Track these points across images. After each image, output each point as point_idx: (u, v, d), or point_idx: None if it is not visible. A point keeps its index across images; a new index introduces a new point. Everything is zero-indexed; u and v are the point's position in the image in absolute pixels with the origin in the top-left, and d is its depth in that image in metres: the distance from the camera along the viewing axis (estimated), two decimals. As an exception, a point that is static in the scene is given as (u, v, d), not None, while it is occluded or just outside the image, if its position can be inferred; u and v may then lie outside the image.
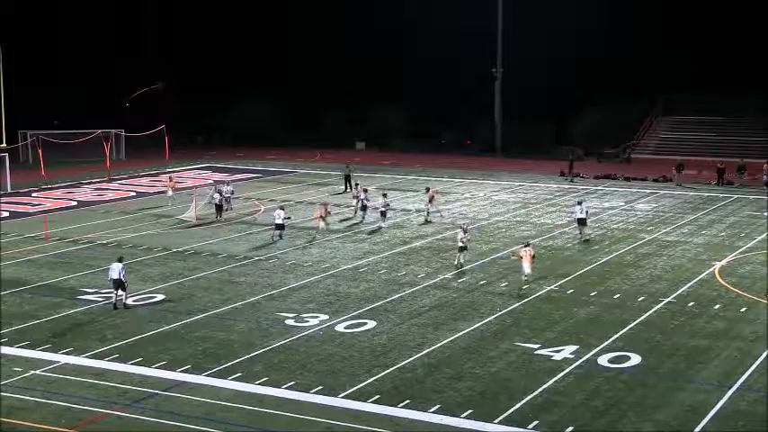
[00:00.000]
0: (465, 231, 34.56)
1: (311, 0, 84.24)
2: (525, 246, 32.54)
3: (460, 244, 34.14)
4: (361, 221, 43.43)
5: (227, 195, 46.07)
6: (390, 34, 79.57)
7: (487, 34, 73.94)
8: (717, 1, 71.09)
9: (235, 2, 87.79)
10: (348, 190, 53.04)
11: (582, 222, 39.96)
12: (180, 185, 52.67)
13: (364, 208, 43.84)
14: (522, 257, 31.80)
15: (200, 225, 42.90)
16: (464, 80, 75.92)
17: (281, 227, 39.15)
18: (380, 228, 42.09)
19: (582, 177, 60.74)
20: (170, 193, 49.37)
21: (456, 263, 34.19)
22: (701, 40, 70.91)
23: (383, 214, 42.79)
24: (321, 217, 40.24)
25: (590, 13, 71.78)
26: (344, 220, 44.10)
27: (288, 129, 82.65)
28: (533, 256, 31.89)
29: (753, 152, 64.78)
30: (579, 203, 41.02)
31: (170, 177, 52.17)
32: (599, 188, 56.31)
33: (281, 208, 40.42)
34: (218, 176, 58.64)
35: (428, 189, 46.66)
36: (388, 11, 79.50)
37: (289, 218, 40.13)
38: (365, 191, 44.83)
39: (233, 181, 52.72)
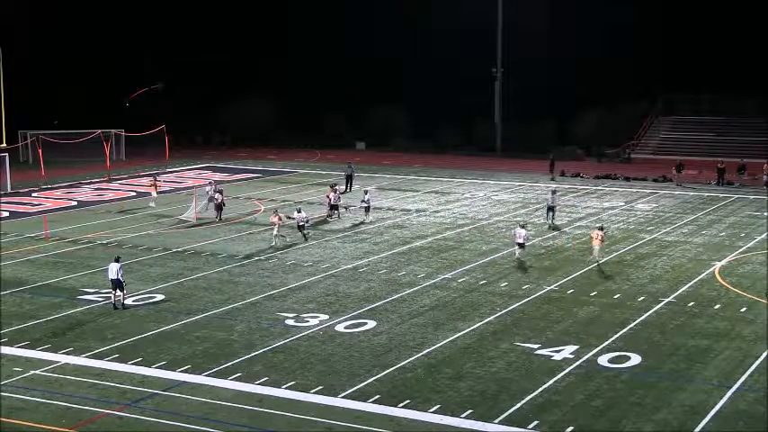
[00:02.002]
0: (523, 228, 35.91)
1: (311, 0, 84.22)
2: (599, 229, 35.16)
3: (520, 240, 35.25)
4: (335, 219, 43.72)
5: (210, 196, 46.25)
6: (390, 34, 79.56)
7: (488, 34, 73.94)
8: (717, 1, 71.10)
9: (235, 2, 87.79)
10: (349, 190, 53.14)
11: (552, 210, 43.00)
12: (161, 188, 52.18)
13: (335, 207, 44.36)
14: (592, 239, 34.67)
15: (200, 225, 42.90)
16: (464, 80, 75.86)
17: (302, 227, 39.29)
18: (363, 222, 43.14)
19: (582, 177, 60.76)
20: (153, 194, 49.15)
21: (515, 258, 35.26)
22: (701, 40, 70.92)
23: (366, 210, 43.82)
24: (274, 223, 38.46)
25: (590, 13, 71.81)
26: (325, 222, 44.04)
27: (288, 129, 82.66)
28: (602, 240, 34.62)
29: (753, 152, 64.75)
30: (554, 192, 44.46)
31: (154, 178, 52.03)
32: (599, 188, 56.30)
33: (299, 211, 40.15)
34: (217, 177, 58.66)
35: (333, 185, 46.97)
36: (387, 11, 79.50)
37: (307, 220, 40.05)
38: (335, 191, 45.09)
39: (230, 181, 52.65)
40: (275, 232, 38.18)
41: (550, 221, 42.79)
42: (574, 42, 72.08)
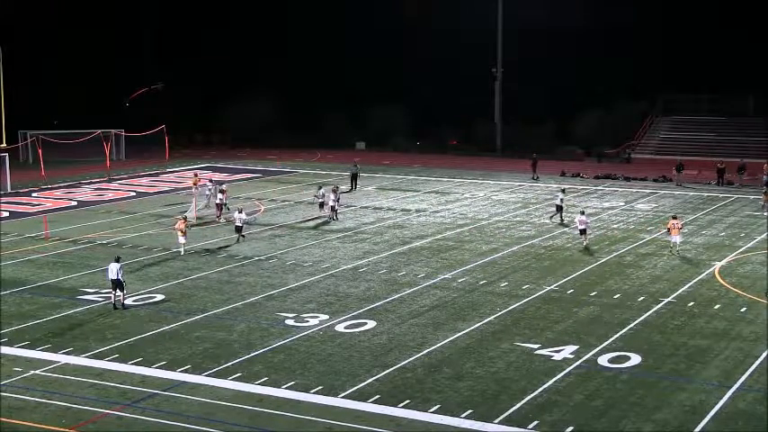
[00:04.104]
0: (582, 214, 38.63)
1: (311, 0, 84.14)
2: (673, 218, 37.24)
3: (582, 226, 37.71)
4: (332, 221, 43.76)
5: (207, 193, 46.64)
6: (390, 34, 79.52)
7: (488, 34, 73.88)
8: (716, 1, 71.13)
9: (235, 2, 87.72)
10: (354, 189, 53.41)
11: (560, 209, 43.97)
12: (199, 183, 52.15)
13: (333, 209, 44.32)
14: (669, 229, 36.31)
15: (199, 225, 42.86)
16: (464, 80, 75.80)
17: (239, 229, 38.88)
18: (330, 220, 43.75)
19: (582, 177, 60.75)
20: (194, 190, 49.42)
21: (585, 244, 37.62)
22: (701, 41, 70.94)
23: (323, 205, 44.82)
24: (181, 230, 36.30)
25: (590, 13, 71.80)
26: (325, 223, 44.03)
27: (288, 129, 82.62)
28: (680, 228, 36.49)
29: (753, 152, 64.74)
30: (563, 191, 45.85)
31: (195, 174, 52.98)
32: (599, 188, 56.28)
33: (240, 211, 39.94)
34: (216, 177, 58.58)
35: (195, 174, 47.04)
36: (387, 11, 79.45)
37: (247, 222, 40.35)
38: (335, 192, 45.04)
39: (230, 181, 52.63)
40: (181, 240, 36.21)
41: (558, 220, 43.55)
42: (574, 42, 72.09)
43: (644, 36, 73.41)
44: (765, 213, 45.77)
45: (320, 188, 46.24)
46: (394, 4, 79.54)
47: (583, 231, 37.85)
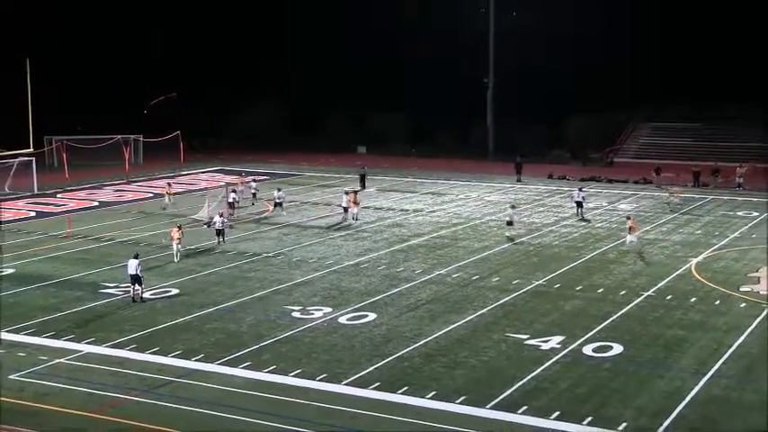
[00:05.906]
0: (513, 207, 40.72)
1: (313, 1, 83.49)
2: (627, 218, 38.64)
3: (508, 218, 39.50)
4: (346, 221, 43.56)
5: (254, 191, 48.59)
6: (389, 37, 78.93)
7: (484, 39, 73.55)
8: (693, 13, 71.05)
9: (238, 4, 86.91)
10: (363, 189, 53.62)
11: (580, 205, 45.09)
12: (175, 191, 51.43)
13: (345, 209, 44.03)
14: (630, 228, 36.82)
15: (211, 224, 42.77)
16: (463, 83, 75.30)
17: (220, 232, 37.92)
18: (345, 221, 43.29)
19: (567, 179, 60.77)
20: (241, 188, 49.61)
21: (507, 234, 39.05)
22: (681, 51, 70.99)
23: (281, 205, 45.28)
24: (178, 238, 34.97)
25: (587, 18, 71.54)
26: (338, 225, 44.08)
27: (291, 133, 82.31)
28: (633, 227, 36.93)
29: (726, 156, 64.82)
30: (580, 189, 46.69)
31: (241, 174, 53.72)
32: (584, 190, 56.16)
33: (220, 215, 39.12)
34: (229, 178, 58.54)
35: (241, 175, 48.41)
36: (388, 12, 79.02)
37: (231, 225, 40.32)
38: (347, 194, 44.89)
39: (246, 182, 52.53)
40: (176, 248, 34.86)
41: (580, 215, 44.64)
42: (571, 48, 71.83)
43: (626, 47, 73.26)
44: (674, 200, 48.57)
45: (279, 190, 46.58)
46: (394, 6, 78.87)
47: (510, 223, 39.47)
